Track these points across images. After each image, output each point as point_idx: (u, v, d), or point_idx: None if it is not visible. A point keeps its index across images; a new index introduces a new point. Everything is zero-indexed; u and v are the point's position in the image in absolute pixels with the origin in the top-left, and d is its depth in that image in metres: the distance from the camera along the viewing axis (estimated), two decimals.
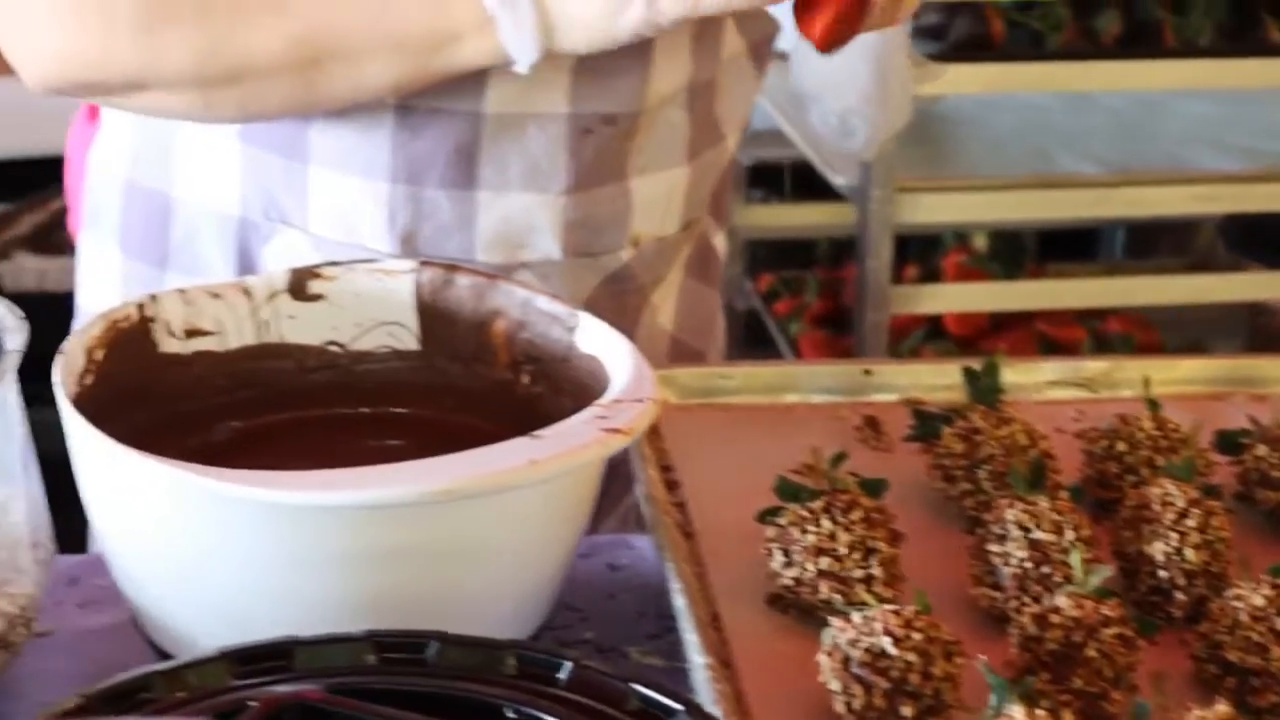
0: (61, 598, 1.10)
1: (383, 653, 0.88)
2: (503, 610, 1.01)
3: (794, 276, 2.77)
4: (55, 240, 2.36)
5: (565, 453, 0.94)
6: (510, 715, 0.84)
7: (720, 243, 1.44)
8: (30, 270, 2.39)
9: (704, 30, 1.27)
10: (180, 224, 1.32)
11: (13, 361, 0.99)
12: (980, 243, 2.98)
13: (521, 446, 0.95)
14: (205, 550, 0.97)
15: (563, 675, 0.87)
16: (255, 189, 1.27)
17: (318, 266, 1.14)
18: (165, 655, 1.03)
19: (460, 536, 0.97)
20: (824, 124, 2.14)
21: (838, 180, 2.42)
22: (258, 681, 0.86)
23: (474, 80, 1.20)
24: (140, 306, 1.09)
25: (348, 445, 1.11)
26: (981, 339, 2.73)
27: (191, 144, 1.29)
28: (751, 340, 2.78)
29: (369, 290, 1.14)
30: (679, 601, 0.99)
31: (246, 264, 1.29)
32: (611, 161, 1.26)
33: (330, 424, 1.13)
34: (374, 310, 1.14)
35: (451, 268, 1.13)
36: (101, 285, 1.38)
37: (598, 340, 1.09)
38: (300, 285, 1.13)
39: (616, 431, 0.96)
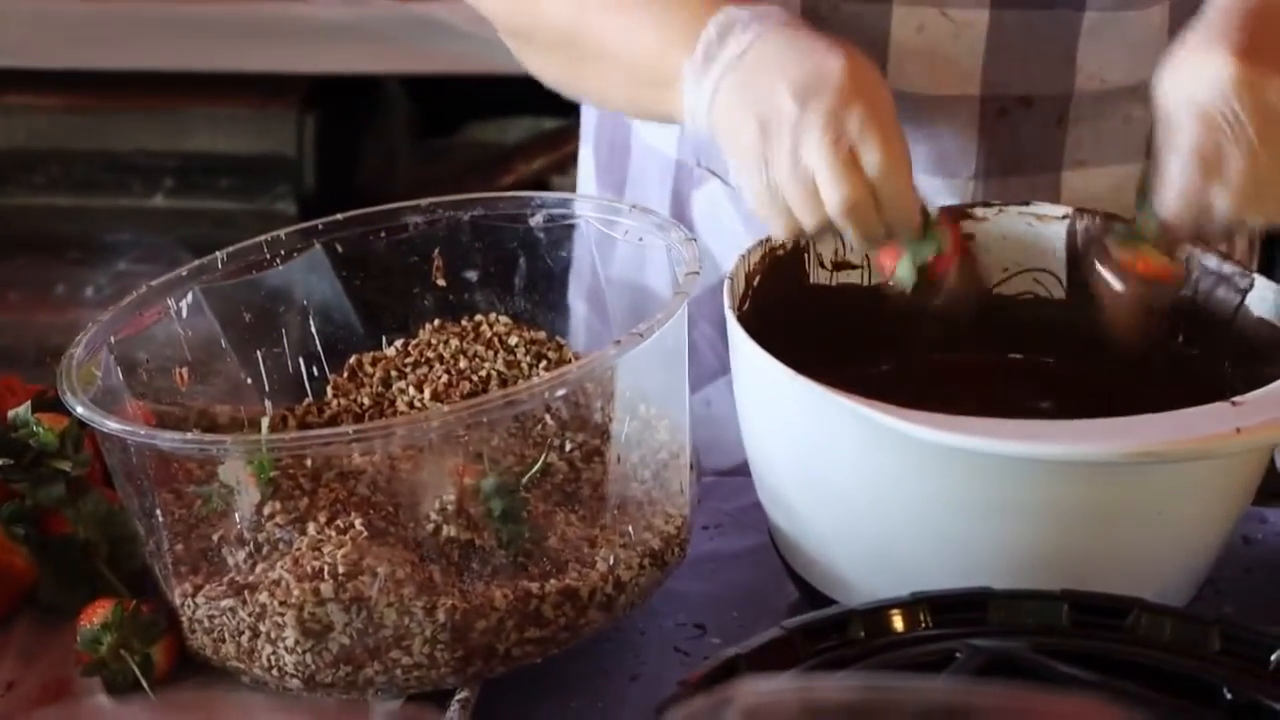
0: None
1: (1078, 613, 0.86)
2: (1163, 578, 0.97)
3: None
4: None
5: (1274, 423, 0.90)
6: (1227, 696, 0.80)
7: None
8: None
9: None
10: (635, 158, 1.32)
11: (688, 285, 0.99)
12: None
13: (1224, 413, 0.91)
14: (868, 485, 0.96)
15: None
16: (689, 135, 1.25)
17: (970, 206, 1.11)
18: (801, 581, 1.02)
19: (1138, 499, 0.94)
20: None
21: None
22: (953, 631, 0.84)
23: (880, 56, 1.16)
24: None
25: (995, 392, 1.08)
26: None
27: None
28: None
29: (1018, 234, 1.11)
30: None
31: (679, 207, 1.28)
32: (1035, 150, 1.20)
33: (974, 368, 1.10)
34: (1021, 255, 1.11)
35: (1110, 216, 1.09)
36: None
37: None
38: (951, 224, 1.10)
39: None
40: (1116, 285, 1.04)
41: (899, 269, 1.02)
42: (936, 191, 1.17)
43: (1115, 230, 1.05)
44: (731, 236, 1.19)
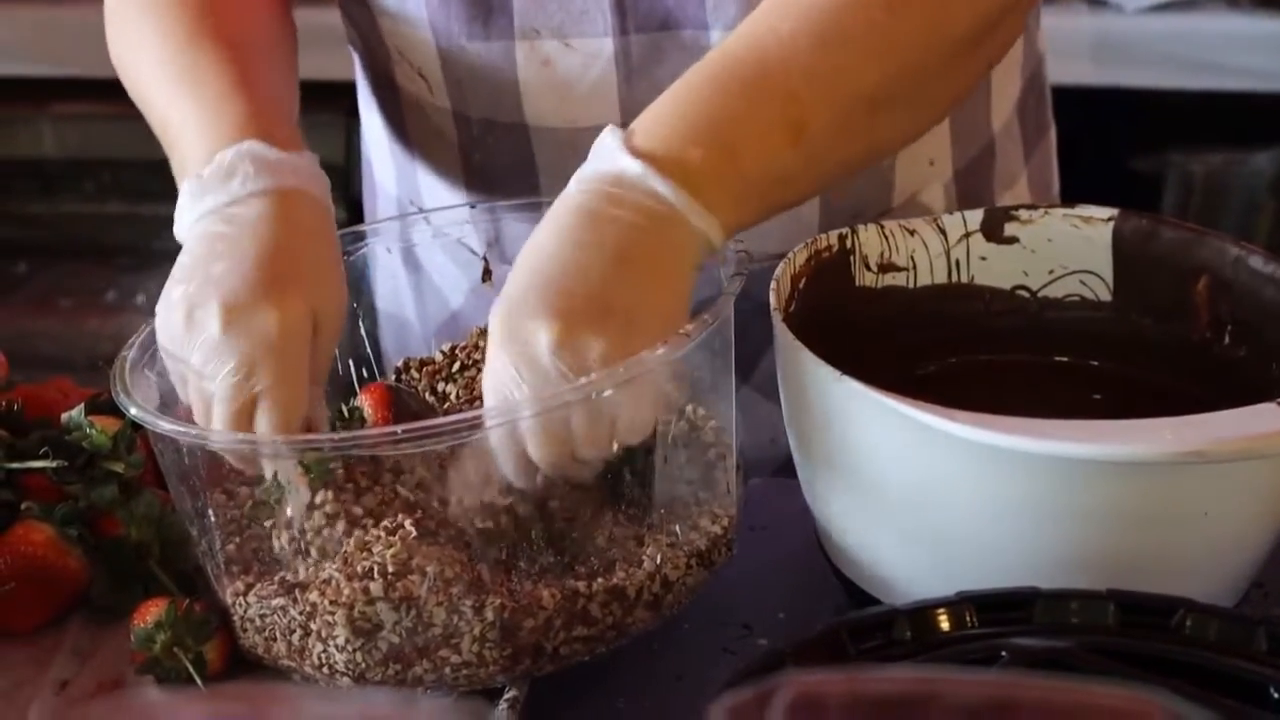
0: None
1: (1124, 612, 0.86)
2: (1209, 580, 0.97)
3: None
4: None
5: None
6: (1275, 696, 0.80)
7: None
8: None
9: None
10: (368, 193, 1.35)
11: (735, 286, 1.00)
12: None
13: (1271, 413, 0.91)
14: (914, 485, 0.95)
15: None
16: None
17: (1015, 208, 1.11)
18: (847, 581, 1.02)
19: (1184, 500, 0.93)
20: None
21: None
22: (999, 631, 0.84)
23: (513, 93, 1.15)
24: (842, 238, 1.09)
25: (1041, 393, 1.08)
26: None
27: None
28: None
29: (1064, 236, 1.11)
30: None
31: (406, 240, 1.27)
32: None
33: (1020, 371, 1.10)
34: (1067, 257, 1.11)
35: (1156, 219, 1.09)
36: None
37: None
38: (995, 226, 1.11)
39: None
40: None
41: None
42: None
43: None
44: (446, 271, 1.22)
